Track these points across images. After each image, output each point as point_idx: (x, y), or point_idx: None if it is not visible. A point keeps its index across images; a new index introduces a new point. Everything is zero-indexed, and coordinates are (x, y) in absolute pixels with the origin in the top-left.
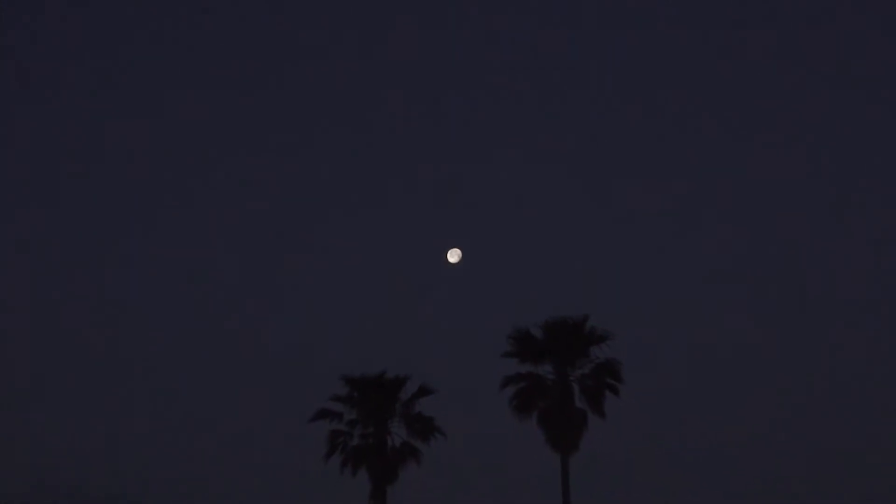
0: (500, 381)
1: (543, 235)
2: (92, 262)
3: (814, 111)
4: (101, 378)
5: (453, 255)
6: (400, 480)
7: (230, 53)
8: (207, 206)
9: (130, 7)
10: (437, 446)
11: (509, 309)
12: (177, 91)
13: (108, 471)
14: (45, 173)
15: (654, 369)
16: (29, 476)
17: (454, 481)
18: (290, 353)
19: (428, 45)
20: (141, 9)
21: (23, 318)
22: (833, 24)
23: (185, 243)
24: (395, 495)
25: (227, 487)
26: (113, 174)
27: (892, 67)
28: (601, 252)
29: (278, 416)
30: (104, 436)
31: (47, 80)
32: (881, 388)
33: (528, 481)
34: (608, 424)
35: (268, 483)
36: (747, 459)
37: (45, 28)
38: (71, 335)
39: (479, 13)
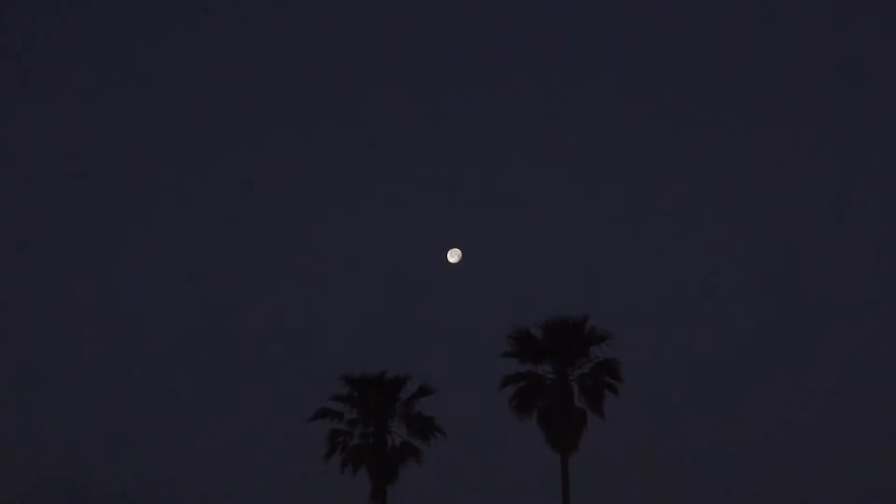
0: (499, 381)
1: (543, 235)
2: (92, 262)
3: (814, 111)
4: (101, 378)
5: (453, 255)
6: (400, 480)
7: (230, 53)
8: (207, 206)
9: (130, 7)
10: (437, 446)
11: (509, 309)
12: (177, 91)
13: (108, 470)
14: (45, 173)
15: (654, 369)
16: (29, 475)
17: (454, 481)
18: (291, 352)
19: (428, 45)
20: (141, 9)
21: (23, 318)
22: (833, 24)
23: (185, 243)
24: (395, 495)
25: (227, 487)
26: (113, 174)
27: (892, 67)
28: (601, 252)
29: (278, 416)
30: (104, 436)
31: (47, 80)
32: (881, 388)
33: (528, 481)
34: (607, 424)
35: (268, 483)
36: (747, 459)
37: (45, 28)
38: (71, 335)
39: (479, 13)
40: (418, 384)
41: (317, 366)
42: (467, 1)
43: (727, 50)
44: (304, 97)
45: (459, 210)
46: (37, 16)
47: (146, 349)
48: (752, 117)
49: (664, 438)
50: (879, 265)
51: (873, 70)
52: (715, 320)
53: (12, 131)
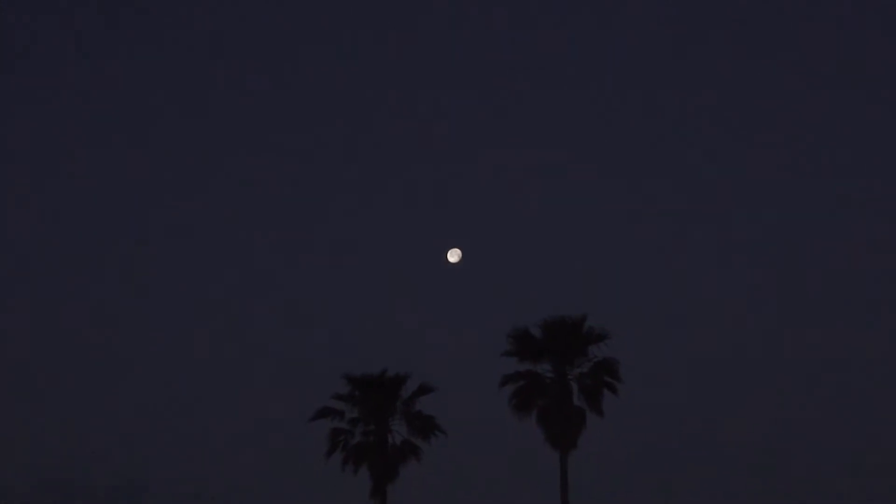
0: (499, 380)
1: (543, 235)
2: (92, 262)
3: (814, 111)
4: (101, 378)
5: (453, 255)
6: (400, 478)
7: (230, 53)
8: (207, 206)
9: (130, 7)
10: (437, 444)
11: (509, 309)
12: (177, 91)
13: (109, 470)
14: (45, 173)
15: (653, 368)
16: (29, 475)
17: (454, 479)
18: (291, 352)
19: (428, 45)
20: (141, 9)
21: (23, 318)
22: (833, 24)
23: (185, 243)
24: (395, 493)
25: (228, 486)
26: (113, 174)
27: (892, 67)
28: (601, 252)
29: (279, 415)
30: (104, 435)
31: (47, 80)
32: (881, 388)
33: (527, 479)
34: (606, 423)
35: (269, 481)
36: (746, 459)
37: (45, 28)
38: (71, 335)
39: (479, 13)
40: (418, 383)
41: (318, 365)
42: (467, 1)
43: (727, 50)
44: (304, 97)
45: (459, 210)
46: (37, 16)
47: (146, 349)
48: (752, 117)
49: (663, 437)
50: (879, 265)
51: (873, 70)
52: (715, 320)
53: (12, 131)
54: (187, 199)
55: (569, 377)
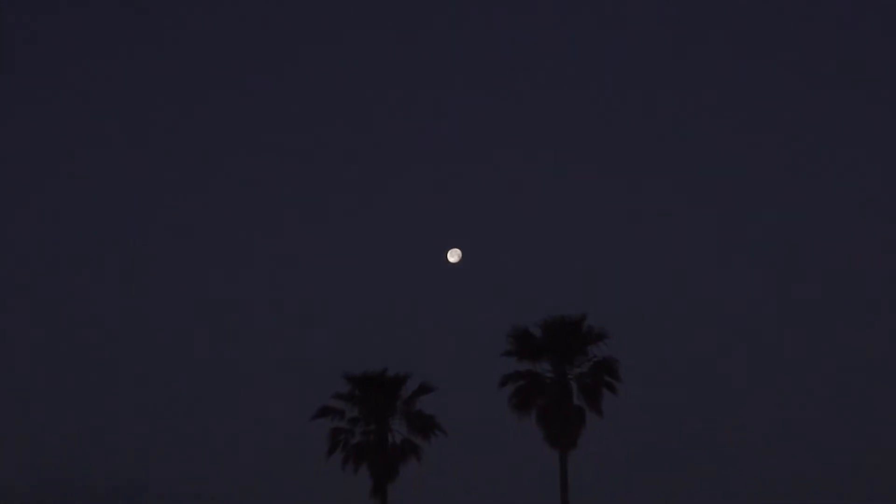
0: (499, 380)
1: (543, 235)
2: (92, 262)
3: (814, 111)
4: (101, 378)
5: (453, 255)
6: (400, 477)
7: (230, 53)
8: (207, 206)
9: (130, 7)
10: (437, 443)
11: (509, 308)
12: (177, 91)
13: (109, 470)
14: (45, 173)
15: (653, 368)
16: (29, 475)
17: (454, 478)
18: (291, 352)
19: (428, 45)
20: (141, 9)
21: (23, 318)
22: (833, 24)
23: (185, 243)
24: (395, 492)
25: (228, 486)
26: (113, 174)
27: (892, 67)
28: (601, 252)
29: (279, 415)
30: (104, 435)
31: (47, 80)
32: (881, 388)
33: (527, 478)
34: (606, 422)
35: (270, 480)
36: (746, 459)
37: (45, 28)
38: (71, 335)
39: (479, 13)
40: (419, 382)
41: (318, 364)
42: (467, 1)
43: (727, 50)
44: (304, 97)
45: (459, 210)
46: (37, 16)
47: (146, 349)
48: (752, 117)
49: (663, 437)
50: (880, 265)
51: (873, 70)
52: (715, 320)
53: (12, 131)
54: (187, 199)
55: (568, 377)
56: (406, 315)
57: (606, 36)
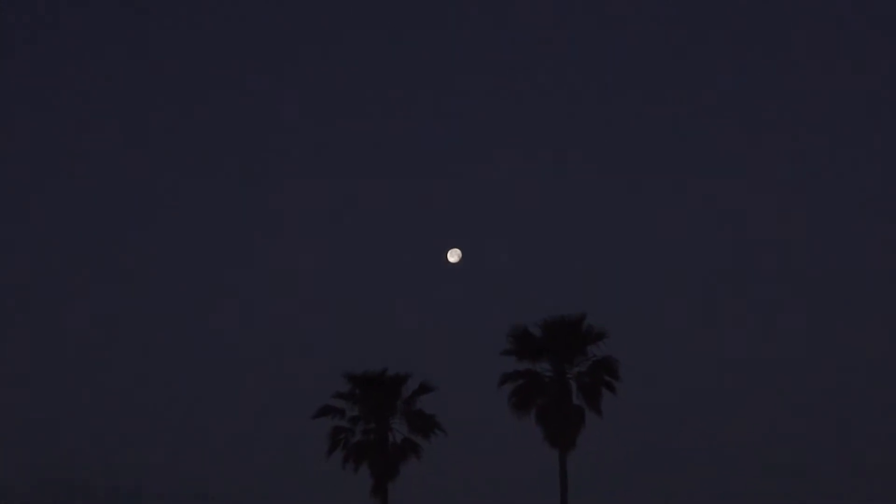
0: (498, 379)
1: (543, 235)
2: (92, 262)
3: (814, 111)
4: (101, 378)
5: (453, 255)
6: (401, 476)
7: (230, 53)
8: (207, 205)
9: (130, 7)
10: (437, 443)
11: (509, 308)
12: (177, 91)
13: (109, 470)
14: (45, 173)
15: (653, 368)
16: (29, 475)
17: (454, 477)
18: (292, 351)
19: (428, 45)
20: (141, 9)
21: (23, 318)
22: (833, 24)
23: (185, 243)
24: (396, 491)
25: (228, 486)
26: (113, 174)
27: (892, 67)
28: (601, 252)
29: (280, 415)
30: (104, 435)
31: (47, 80)
32: (881, 388)
33: (527, 477)
34: (605, 422)
35: (271, 479)
36: (746, 459)
37: (45, 28)
38: (71, 335)
39: (479, 13)
40: (419, 382)
41: (319, 364)
42: (467, 1)
43: (727, 50)
44: (304, 97)
45: (459, 210)
46: (37, 16)
47: (146, 349)
48: (752, 117)
49: (662, 437)
50: (880, 265)
51: (873, 70)
52: (714, 320)
53: (12, 131)
54: (187, 199)
55: (568, 376)
56: (406, 315)
57: (606, 36)
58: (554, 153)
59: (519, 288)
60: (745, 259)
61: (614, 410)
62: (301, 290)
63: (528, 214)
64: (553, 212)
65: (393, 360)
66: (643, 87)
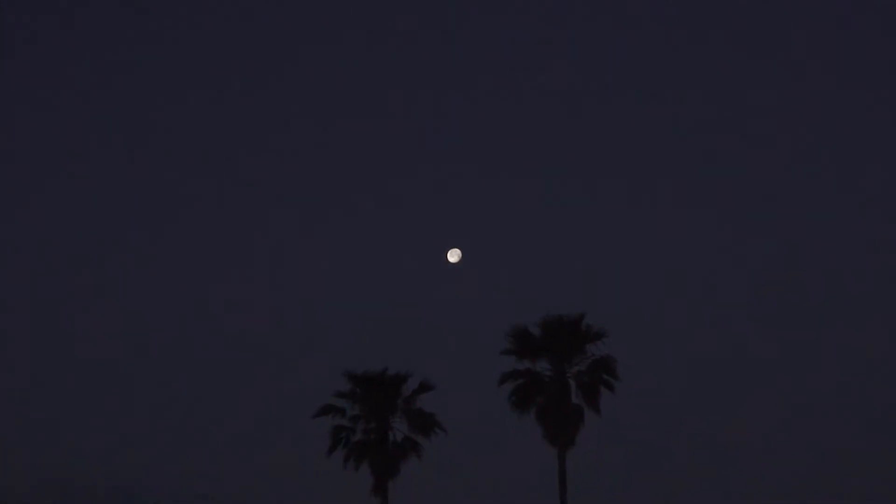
0: (498, 378)
1: (543, 235)
2: (92, 262)
3: (814, 111)
4: (101, 378)
5: (453, 255)
6: (401, 475)
7: (230, 53)
8: (207, 206)
9: (130, 7)
10: (437, 441)
11: (508, 308)
12: (177, 91)
13: (109, 470)
14: (45, 173)
15: (653, 367)
16: (30, 475)
17: (454, 476)
18: (293, 351)
19: (428, 45)
20: (141, 9)
21: (23, 318)
22: (833, 24)
23: (185, 243)
24: (396, 489)
25: (228, 486)
26: (113, 174)
27: (892, 67)
28: (600, 252)
29: (281, 413)
30: (104, 435)
31: (47, 80)
32: (881, 388)
33: (526, 475)
34: (604, 420)
35: (272, 477)
36: (746, 459)
37: (45, 28)
38: (71, 335)
39: (479, 13)
40: (419, 381)
41: (320, 363)
42: (467, 1)
43: (727, 50)
44: (304, 97)
45: (459, 210)
46: (37, 16)
47: (146, 349)
48: (752, 117)
49: (661, 436)
50: (879, 265)
51: (873, 70)
52: (715, 320)
53: (12, 131)
54: (187, 199)
55: (567, 375)
56: (406, 314)
57: (606, 36)
58: (554, 153)
59: (518, 288)
60: (746, 259)
61: (613, 409)
62: (301, 290)
63: (528, 214)
64: (553, 212)
65: (393, 359)
66: (643, 87)
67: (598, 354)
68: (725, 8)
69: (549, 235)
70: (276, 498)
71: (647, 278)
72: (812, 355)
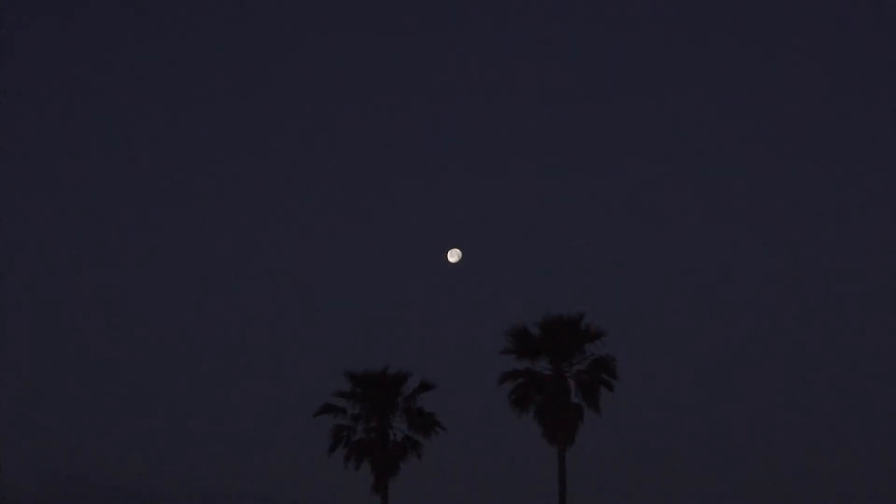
0: (498, 377)
1: (542, 235)
2: (92, 262)
3: (814, 111)
4: (100, 378)
5: (453, 255)
6: (401, 473)
7: (230, 53)
8: (207, 205)
9: (131, 7)
10: (437, 440)
11: (508, 307)
12: (177, 91)
13: (109, 470)
14: (45, 173)
15: (652, 367)
16: (31, 475)
17: (454, 474)
18: (293, 351)
19: (428, 46)
20: (141, 9)
21: (23, 318)
22: (833, 24)
23: (185, 243)
24: (396, 488)
25: (233, 482)
26: (113, 174)
27: (893, 67)
28: (600, 251)
29: (282, 413)
30: (104, 435)
31: (47, 80)
32: (881, 388)
33: (526, 474)
34: (603, 419)
35: (273, 476)
36: (745, 458)
37: (45, 28)
38: (71, 335)
39: (479, 13)
40: (419, 380)
41: (319, 363)
42: (467, 1)
43: (727, 50)
44: (304, 97)
45: (459, 210)
46: (37, 16)
47: (146, 349)
48: (752, 117)
49: (660, 435)
50: (879, 265)
51: (873, 70)
52: (715, 320)
53: (12, 131)
54: (187, 199)
55: (566, 374)
56: (406, 314)
57: (606, 36)
58: (554, 153)
59: (518, 287)
60: (746, 259)
61: (612, 409)
62: (301, 290)
63: (528, 214)
64: (553, 212)
65: (393, 358)
66: (643, 87)
67: (598, 354)
68: (725, 8)
69: (549, 235)
70: (277, 497)
71: (647, 278)
72: (812, 355)
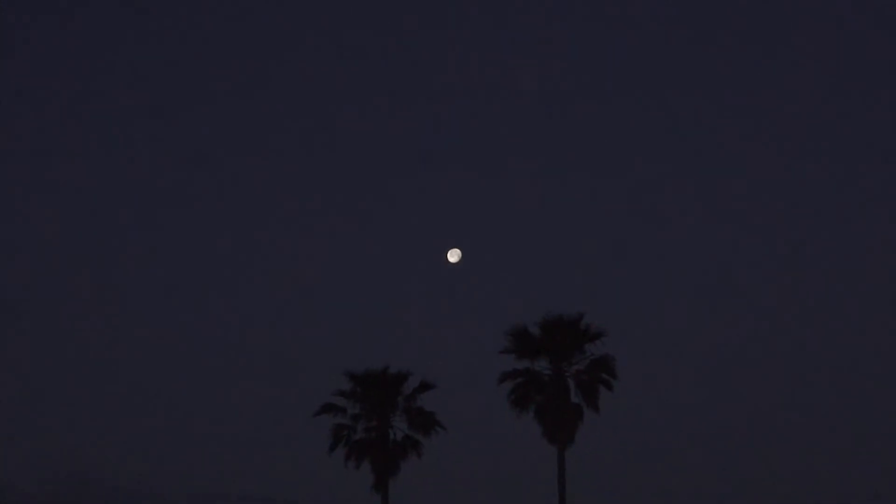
0: (498, 377)
1: (542, 235)
2: (92, 262)
3: (814, 111)
4: (100, 378)
5: (453, 255)
6: (401, 473)
7: (230, 53)
8: (207, 205)
9: (131, 8)
10: (437, 439)
11: (508, 307)
12: (178, 92)
13: (109, 470)
14: (45, 173)
15: (652, 367)
16: (31, 475)
17: (454, 473)
18: (293, 350)
19: (428, 47)
20: (141, 10)
21: (23, 318)
22: (833, 24)
23: (185, 243)
24: (396, 487)
25: (234, 481)
26: (113, 174)
27: (892, 67)
28: (600, 252)
29: (282, 412)
30: (104, 435)
31: (47, 80)
32: (881, 388)
33: (526, 473)
34: (602, 418)
35: (274, 475)
36: (745, 458)
37: (45, 28)
38: (71, 335)
39: (479, 13)
40: (419, 380)
41: (320, 363)
42: (467, 1)
43: (727, 50)
44: (304, 97)
45: (459, 210)
46: (37, 16)
47: (146, 349)
48: (752, 117)
49: (659, 434)
50: (879, 265)
51: (873, 70)
52: (715, 320)
53: (12, 131)
54: (187, 199)
55: (566, 374)
56: (407, 314)
57: (606, 36)
58: (553, 153)
59: (518, 287)
60: (746, 259)
61: (612, 408)
62: (301, 290)
63: (528, 214)
64: (553, 212)
65: (394, 358)
66: (643, 87)
67: (598, 354)
68: (725, 8)
69: (549, 235)
70: (277, 496)
71: (647, 278)
72: (812, 355)
